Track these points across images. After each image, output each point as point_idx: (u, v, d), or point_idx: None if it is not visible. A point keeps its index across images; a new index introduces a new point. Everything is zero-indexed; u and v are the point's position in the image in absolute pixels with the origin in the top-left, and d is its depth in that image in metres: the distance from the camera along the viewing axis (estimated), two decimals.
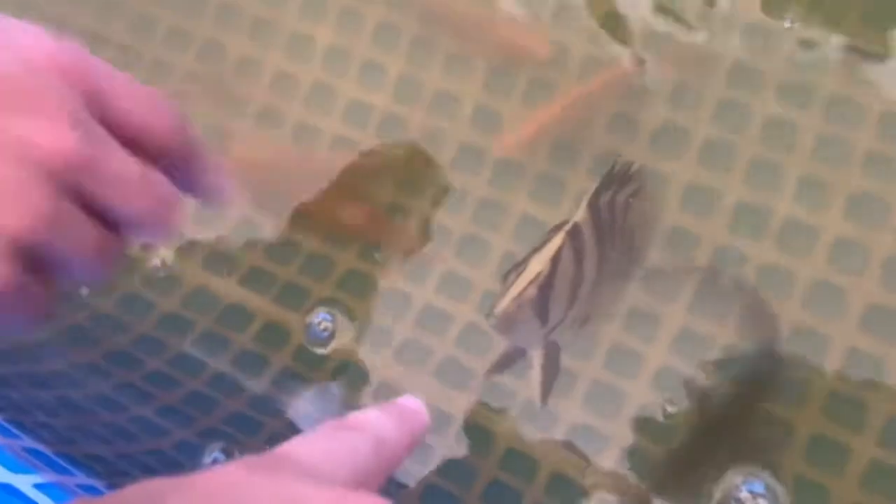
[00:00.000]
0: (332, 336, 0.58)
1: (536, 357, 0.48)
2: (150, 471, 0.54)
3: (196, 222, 0.62)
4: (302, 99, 0.63)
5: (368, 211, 0.60)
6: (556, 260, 0.43)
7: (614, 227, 0.49)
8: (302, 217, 0.61)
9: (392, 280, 0.59)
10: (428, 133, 0.61)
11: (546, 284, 0.43)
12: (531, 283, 0.42)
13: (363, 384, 0.57)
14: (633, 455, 0.52)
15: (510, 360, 0.54)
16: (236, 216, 0.62)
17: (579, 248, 0.45)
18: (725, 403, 0.52)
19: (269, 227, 0.61)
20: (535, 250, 0.44)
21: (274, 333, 0.59)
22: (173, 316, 0.60)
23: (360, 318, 0.58)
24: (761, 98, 0.55)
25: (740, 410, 0.52)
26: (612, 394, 0.53)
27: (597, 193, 0.47)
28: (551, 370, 0.49)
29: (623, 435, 0.52)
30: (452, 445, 0.55)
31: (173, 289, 0.61)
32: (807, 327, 0.52)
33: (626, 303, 0.54)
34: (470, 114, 0.61)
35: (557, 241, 0.44)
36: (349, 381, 0.57)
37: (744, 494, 0.49)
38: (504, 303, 0.41)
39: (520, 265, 0.44)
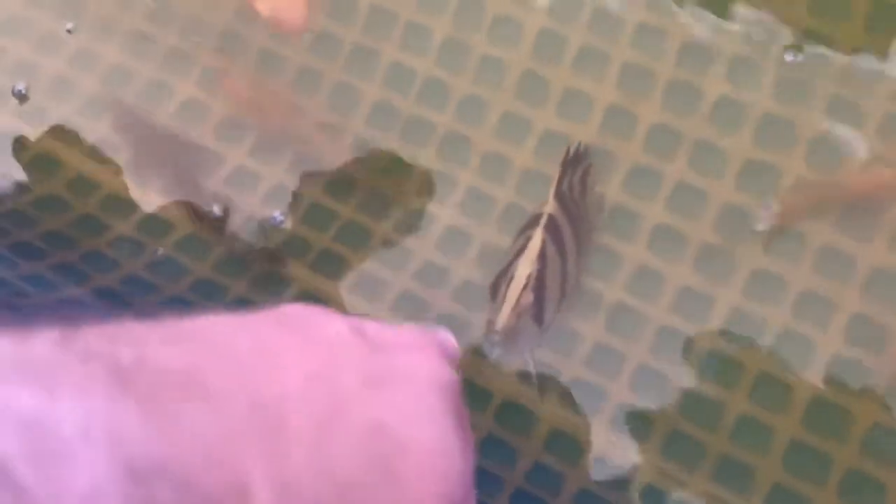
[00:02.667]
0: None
1: (530, 360, 0.47)
2: None
3: (232, 185, 0.61)
4: (342, 61, 0.61)
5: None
6: (541, 258, 0.42)
7: (579, 210, 0.48)
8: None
9: (429, 251, 0.57)
10: (470, 100, 0.59)
11: (539, 286, 0.41)
12: (524, 288, 0.40)
13: None
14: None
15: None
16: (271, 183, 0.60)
17: (559, 240, 0.43)
18: None
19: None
20: (518, 253, 0.42)
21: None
22: (205, 281, 0.59)
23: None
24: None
25: None
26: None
27: (560, 182, 0.46)
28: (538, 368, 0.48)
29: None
30: None
31: (206, 254, 0.59)
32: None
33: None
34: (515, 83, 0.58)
35: (538, 239, 0.42)
36: None
37: None
38: (504, 316, 0.40)
39: (505, 273, 0.42)
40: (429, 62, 0.60)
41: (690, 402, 0.51)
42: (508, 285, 0.41)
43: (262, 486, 0.18)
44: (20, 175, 0.63)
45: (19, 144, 0.64)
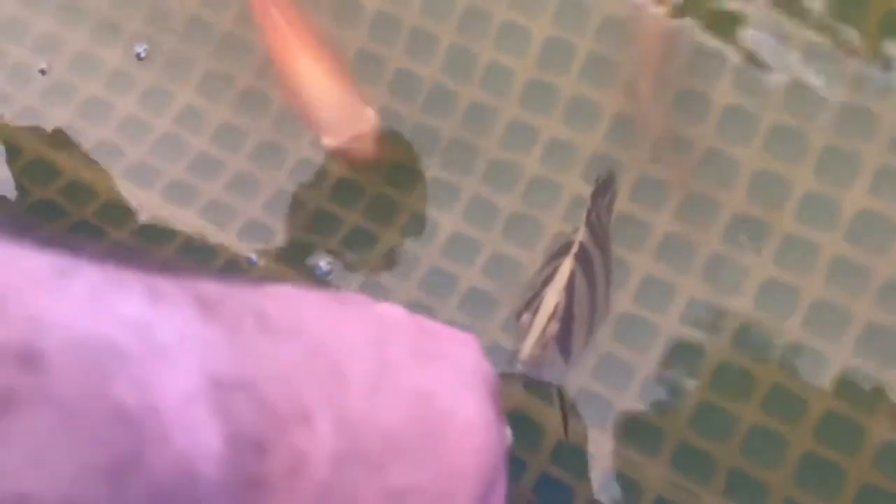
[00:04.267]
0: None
1: (554, 393, 0.46)
2: None
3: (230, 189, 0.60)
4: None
5: None
6: (570, 288, 0.40)
7: (607, 238, 0.47)
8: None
9: (435, 259, 0.56)
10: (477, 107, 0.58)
11: (566, 316, 0.40)
12: (551, 318, 0.39)
13: None
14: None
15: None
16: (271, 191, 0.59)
17: (589, 270, 0.42)
18: None
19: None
20: (546, 282, 0.41)
21: None
22: None
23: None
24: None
25: None
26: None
27: (591, 210, 0.45)
28: (567, 403, 0.47)
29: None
30: None
31: (211, 259, 0.58)
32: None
33: None
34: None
35: (567, 267, 0.41)
36: None
37: None
38: (528, 345, 0.38)
39: (532, 301, 0.41)
40: (434, 69, 0.59)
41: (701, 414, 0.50)
42: (535, 314, 0.39)
43: (323, 417, 0.20)
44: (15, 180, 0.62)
45: (13, 149, 0.62)
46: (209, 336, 0.19)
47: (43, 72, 0.64)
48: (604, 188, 0.48)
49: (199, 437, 0.17)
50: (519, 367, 0.39)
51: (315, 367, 0.20)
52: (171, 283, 0.20)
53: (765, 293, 0.51)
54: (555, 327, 0.39)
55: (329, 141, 0.56)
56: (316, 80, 0.57)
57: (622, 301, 0.52)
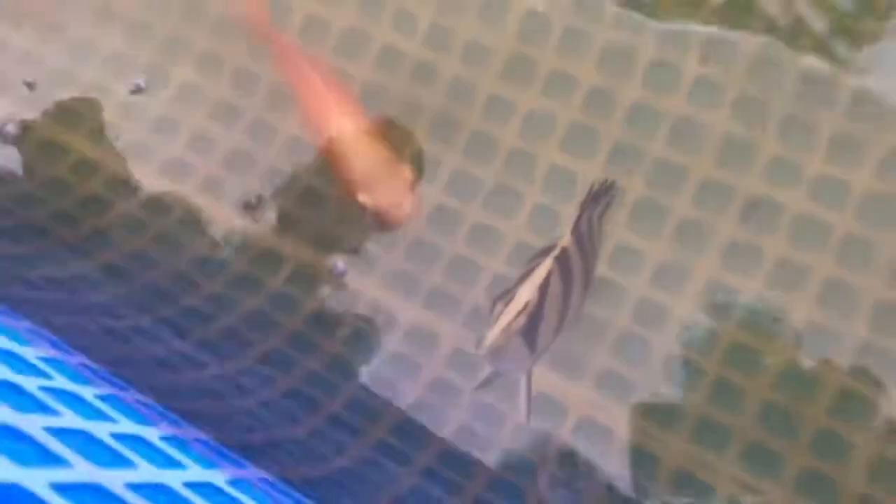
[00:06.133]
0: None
1: (521, 382, 0.48)
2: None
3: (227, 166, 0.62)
4: (333, 45, 0.63)
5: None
6: (544, 287, 0.43)
7: (593, 244, 0.49)
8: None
9: (419, 231, 0.59)
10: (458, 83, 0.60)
11: (535, 313, 0.42)
12: (520, 312, 0.41)
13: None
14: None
15: (495, 378, 0.52)
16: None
17: (567, 273, 0.44)
18: None
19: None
20: (523, 278, 0.44)
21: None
22: (204, 258, 0.61)
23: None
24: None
25: None
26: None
27: (580, 217, 0.47)
28: (531, 391, 0.50)
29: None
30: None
31: (205, 232, 0.61)
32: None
33: None
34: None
35: (545, 267, 0.43)
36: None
37: None
38: (493, 335, 0.41)
39: (508, 293, 0.43)
40: (417, 44, 0.61)
41: (672, 369, 0.53)
42: (506, 307, 0.42)
43: None
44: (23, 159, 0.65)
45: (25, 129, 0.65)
46: None
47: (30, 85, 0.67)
48: (597, 197, 0.50)
49: None
50: (482, 354, 0.41)
51: None
52: None
53: (730, 254, 0.54)
54: (521, 322, 0.41)
55: (366, 199, 0.57)
56: (354, 141, 0.58)
57: (599, 267, 0.55)
